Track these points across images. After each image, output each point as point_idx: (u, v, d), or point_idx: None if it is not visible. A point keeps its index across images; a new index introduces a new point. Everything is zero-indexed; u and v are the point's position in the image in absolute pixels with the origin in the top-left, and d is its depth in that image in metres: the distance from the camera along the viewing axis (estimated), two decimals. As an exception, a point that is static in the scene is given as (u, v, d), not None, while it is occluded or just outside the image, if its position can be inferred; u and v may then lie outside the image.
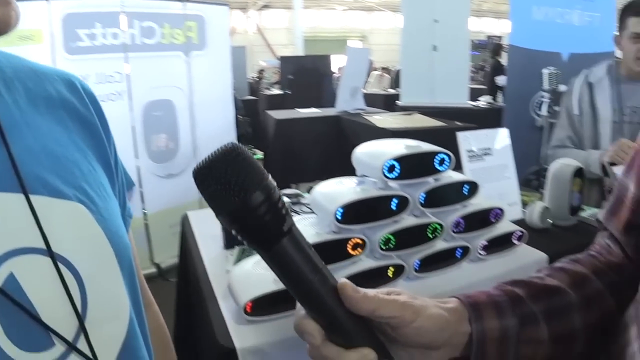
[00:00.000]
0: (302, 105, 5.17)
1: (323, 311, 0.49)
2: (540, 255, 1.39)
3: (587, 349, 0.61)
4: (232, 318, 1.05)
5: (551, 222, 1.61)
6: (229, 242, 1.41)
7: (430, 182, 1.18)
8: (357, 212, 1.07)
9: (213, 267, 1.30)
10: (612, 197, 0.69)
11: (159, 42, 3.36)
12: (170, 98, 3.50)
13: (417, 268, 1.20)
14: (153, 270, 3.38)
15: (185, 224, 1.67)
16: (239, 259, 1.31)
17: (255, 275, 1.08)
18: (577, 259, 0.69)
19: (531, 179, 2.37)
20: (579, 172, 1.59)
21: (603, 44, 2.12)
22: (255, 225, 0.44)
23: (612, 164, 1.78)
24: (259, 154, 7.42)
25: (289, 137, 4.21)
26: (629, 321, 0.57)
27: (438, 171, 1.18)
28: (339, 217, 1.05)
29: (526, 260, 1.37)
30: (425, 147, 1.16)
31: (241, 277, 1.10)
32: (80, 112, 0.60)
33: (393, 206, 1.12)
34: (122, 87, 3.17)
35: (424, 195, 1.16)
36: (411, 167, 1.14)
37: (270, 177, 0.45)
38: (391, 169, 1.10)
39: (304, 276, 0.47)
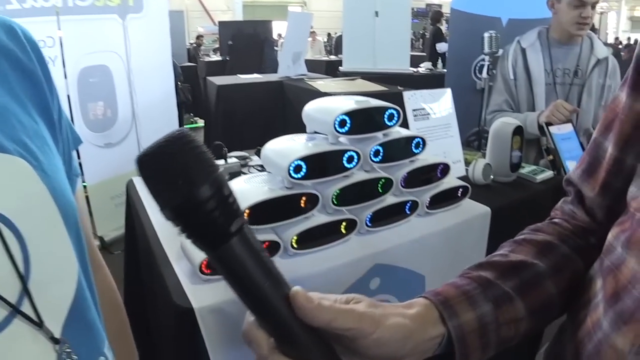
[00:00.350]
0: (243, 71, 5.08)
1: (273, 320, 0.45)
2: (483, 209, 1.44)
3: (563, 312, 0.63)
4: (187, 279, 1.04)
5: (492, 178, 1.67)
6: None
7: (380, 137, 1.19)
8: (308, 168, 1.07)
9: (164, 230, 1.27)
10: (586, 158, 0.67)
11: (92, 4, 3.17)
12: (106, 64, 3.34)
13: (368, 223, 1.22)
14: (96, 243, 3.25)
15: (130, 190, 1.61)
16: None
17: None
18: (538, 228, 0.69)
19: (472, 140, 2.44)
20: (518, 131, 1.64)
21: (540, 10, 2.18)
22: (202, 222, 0.40)
23: (549, 124, 1.85)
24: (200, 122, 7.29)
25: (230, 104, 4.14)
26: (593, 275, 0.58)
27: (387, 126, 1.19)
28: (292, 172, 1.05)
29: (471, 214, 1.41)
30: (375, 102, 1.16)
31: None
32: (21, 60, 0.55)
33: (344, 161, 1.13)
34: (54, 53, 2.98)
35: (375, 150, 1.17)
36: (361, 122, 1.14)
37: (221, 168, 0.43)
38: (342, 123, 1.10)
39: (253, 281, 0.43)
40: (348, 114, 1.10)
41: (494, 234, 1.46)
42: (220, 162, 1.45)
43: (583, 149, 1.86)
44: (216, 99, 4.11)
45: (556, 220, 0.71)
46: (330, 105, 1.16)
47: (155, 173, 0.40)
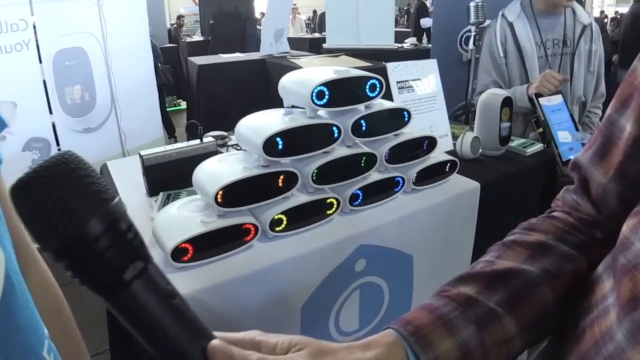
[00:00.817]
0: (225, 50, 4.98)
1: None
2: (473, 184, 1.39)
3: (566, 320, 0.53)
4: (160, 267, 0.96)
5: (481, 152, 1.61)
6: (153, 189, 1.32)
7: (362, 109, 1.12)
8: (285, 144, 1.00)
9: (137, 216, 1.20)
10: (598, 138, 0.58)
11: (66, -15, 3.04)
12: (82, 46, 3.22)
13: (351, 201, 1.16)
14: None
15: (104, 175, 1.54)
16: (164, 204, 1.22)
17: (180, 218, 1.00)
18: (532, 227, 0.60)
19: (459, 114, 2.38)
20: (507, 102, 1.58)
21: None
22: (93, 265, 0.33)
23: (538, 95, 1.79)
24: (183, 104, 7.16)
25: (213, 84, 4.05)
26: (602, 274, 0.49)
27: (369, 98, 1.11)
28: (268, 150, 0.97)
29: (459, 189, 1.36)
30: (355, 72, 1.08)
31: (165, 222, 1.01)
32: None
33: (324, 136, 1.06)
34: (28, 36, 2.84)
35: (357, 124, 1.10)
36: (341, 94, 1.07)
37: (118, 198, 0.35)
38: (320, 95, 1.02)
39: (163, 332, 0.37)
40: (326, 84, 1.02)
41: (484, 209, 1.41)
42: (196, 141, 1.37)
43: (573, 119, 1.81)
44: (197, 80, 4.02)
45: (555, 213, 0.62)
46: (307, 76, 1.08)
47: (30, 207, 0.33)
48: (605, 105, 2.11)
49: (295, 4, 11.02)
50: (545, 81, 1.80)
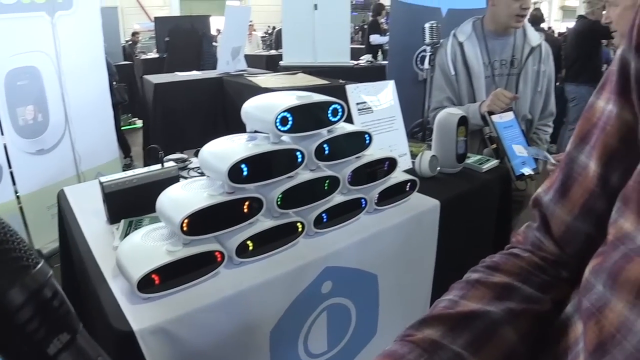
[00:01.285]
0: (181, 68, 4.92)
1: None
2: (432, 202, 1.42)
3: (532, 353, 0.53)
4: (125, 298, 0.95)
5: (439, 170, 1.65)
6: (114, 217, 1.29)
7: (324, 134, 1.14)
8: (250, 170, 1.00)
9: (98, 245, 1.18)
10: (559, 175, 0.57)
11: (18, 2, 2.95)
12: (35, 65, 3.12)
13: (316, 224, 1.17)
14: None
15: (62, 201, 1.50)
16: (126, 232, 1.20)
17: (145, 248, 0.99)
18: (496, 266, 0.59)
19: (416, 131, 2.43)
20: (463, 121, 1.63)
21: (479, 1, 2.18)
22: (13, 338, 0.31)
23: (491, 113, 1.85)
24: (138, 123, 7.04)
25: (169, 102, 3.98)
26: (570, 317, 0.50)
27: (332, 122, 1.13)
28: (232, 176, 0.97)
29: (420, 208, 1.39)
30: (318, 97, 1.10)
31: (130, 252, 1.00)
32: None
33: (288, 161, 1.07)
34: (-23, 56, 2.76)
35: (320, 148, 1.12)
36: (304, 119, 1.08)
37: (42, 263, 0.32)
38: (284, 121, 1.04)
39: None
40: (290, 110, 1.04)
41: (444, 225, 1.45)
42: (157, 167, 1.35)
43: (524, 135, 1.88)
44: (154, 98, 3.95)
45: (518, 252, 0.61)
46: (270, 102, 1.09)
47: None
48: (555, 121, 2.21)
49: (251, 21, 11.05)
50: (497, 99, 1.86)
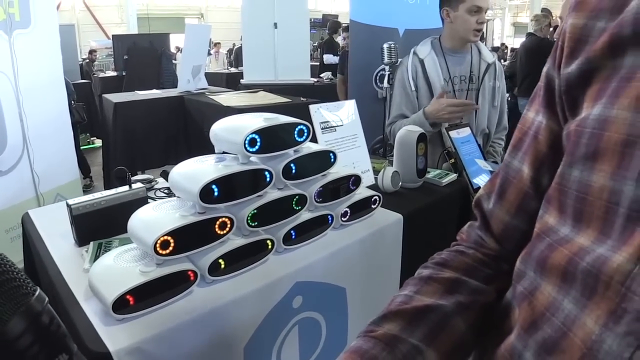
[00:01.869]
0: (141, 87, 4.91)
1: None
2: (396, 216, 1.48)
3: (477, 347, 0.59)
4: (100, 320, 0.96)
5: (401, 185, 1.72)
6: (82, 239, 1.30)
7: (291, 154, 1.18)
8: (220, 191, 1.03)
9: (68, 268, 1.18)
10: (497, 180, 0.64)
11: (-25, 21, 2.90)
12: (-8, 85, 3.06)
13: (285, 241, 1.21)
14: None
15: (27, 224, 1.48)
16: (96, 254, 1.21)
17: (118, 269, 1.00)
18: (444, 262, 0.65)
19: (377, 147, 2.50)
20: (422, 138, 1.70)
21: (434, 21, 2.27)
22: None
23: (449, 129, 1.93)
24: (97, 142, 6.91)
25: (129, 122, 3.96)
26: (508, 303, 0.55)
27: (298, 142, 1.18)
28: (204, 196, 1.00)
29: (384, 222, 1.44)
30: (284, 119, 1.15)
31: (103, 274, 1.01)
32: None
33: (257, 181, 1.11)
34: None
35: (287, 168, 1.16)
36: (271, 140, 1.12)
37: (39, 291, 0.34)
38: (252, 142, 1.08)
39: None
40: (258, 132, 1.08)
41: (408, 238, 1.50)
42: (124, 188, 1.36)
43: (481, 150, 1.97)
44: (114, 118, 3.92)
45: (462, 249, 0.67)
46: (238, 124, 1.13)
47: None
48: (508, 136, 2.31)
49: (218, 42, 11.08)
50: (442, 109, 1.93)
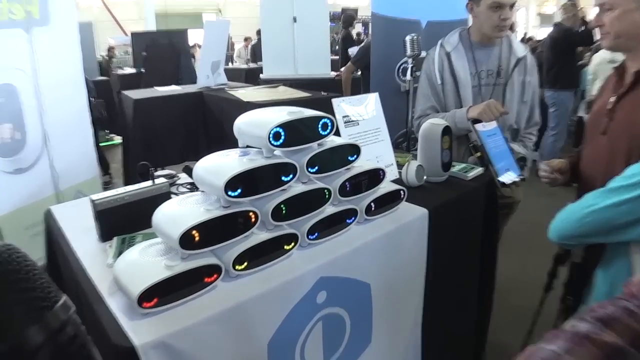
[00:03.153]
0: (159, 83, 4.94)
1: None
2: (421, 211, 1.48)
3: None
4: (124, 314, 0.98)
5: (426, 179, 1.71)
6: (106, 234, 1.32)
7: (315, 147, 1.19)
8: (245, 185, 1.04)
9: (91, 263, 1.20)
10: None
11: (-6, 18, 2.95)
12: (12, 82, 3.10)
13: (309, 236, 1.22)
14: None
15: (49, 221, 1.52)
16: (119, 250, 1.23)
17: (143, 264, 1.02)
18: (607, 321, 0.53)
19: (401, 141, 2.49)
20: (447, 131, 1.69)
21: (458, 12, 2.25)
22: None
23: (475, 121, 1.90)
24: (117, 139, 7.01)
25: (149, 118, 4.00)
26: None
27: (322, 136, 1.19)
28: (229, 191, 1.02)
29: (409, 216, 1.44)
30: (308, 112, 1.16)
31: (128, 268, 1.03)
32: None
33: (281, 175, 1.12)
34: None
35: (311, 161, 1.17)
36: (296, 134, 1.14)
37: (63, 301, 0.32)
38: (277, 136, 1.09)
39: None
40: (282, 126, 1.09)
41: (433, 233, 1.50)
42: (147, 183, 1.38)
43: (508, 144, 1.94)
44: (133, 114, 3.96)
45: (632, 307, 0.55)
46: (263, 117, 1.14)
47: None
48: (540, 130, 2.27)
49: (249, 36, 11.22)
50: (489, 110, 1.92)
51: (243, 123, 1.18)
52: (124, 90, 4.72)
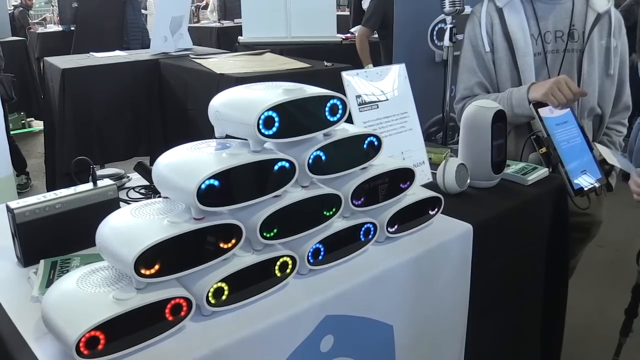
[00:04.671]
0: (98, 47, 4.92)
1: None
2: (463, 227, 1.49)
3: None
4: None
5: (469, 183, 1.72)
6: (29, 256, 1.32)
7: (320, 139, 1.20)
8: (224, 189, 1.05)
9: (9, 296, 1.21)
10: None
11: None
12: None
13: (311, 259, 1.23)
14: None
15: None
16: (48, 278, 1.23)
17: (83, 297, 1.02)
18: None
19: (434, 131, 2.50)
20: (500, 117, 1.70)
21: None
22: None
23: (539, 105, 1.92)
24: (37, 125, 6.98)
25: (83, 96, 4.01)
26: None
27: (330, 123, 1.20)
28: (201, 197, 1.02)
29: (446, 235, 1.46)
30: (312, 90, 1.17)
31: (61, 303, 1.03)
32: None
33: (273, 176, 1.13)
34: None
35: (315, 158, 1.18)
36: (294, 119, 1.14)
37: None
38: (268, 122, 1.09)
39: None
40: (276, 108, 1.09)
41: (479, 258, 1.51)
42: (87, 186, 1.40)
43: (585, 135, 1.94)
44: (61, 90, 3.95)
45: None
46: (249, 97, 1.15)
47: None
48: (631, 120, 2.21)
49: None
50: (557, 89, 1.89)
51: (221, 104, 1.18)
52: (48, 55, 4.70)
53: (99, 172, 1.76)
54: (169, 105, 4.14)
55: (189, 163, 1.09)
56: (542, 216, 1.80)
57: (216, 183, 1.04)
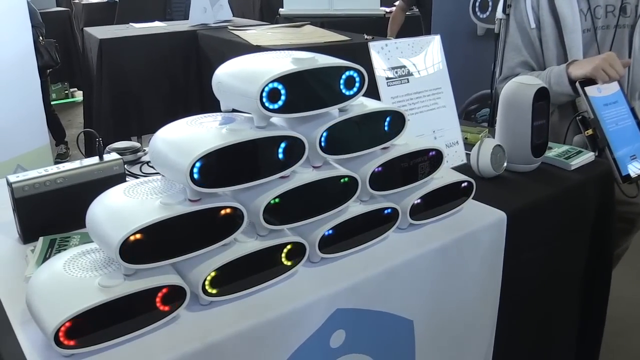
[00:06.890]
0: (139, 18, 4.98)
1: None
2: (496, 215, 1.43)
3: None
4: (37, 353, 0.96)
5: (506, 166, 1.66)
6: (28, 233, 1.30)
7: (335, 115, 1.15)
8: (225, 168, 1.01)
9: (4, 273, 1.20)
10: None
11: None
12: None
13: (322, 246, 1.18)
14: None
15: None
16: (45, 256, 1.21)
17: (68, 281, 0.99)
18: None
19: (473, 109, 2.43)
20: (542, 95, 1.63)
21: None
22: None
23: (585, 82, 1.85)
24: (77, 96, 7.11)
25: (121, 67, 4.07)
26: None
27: (346, 98, 1.14)
28: (197, 177, 0.97)
29: (477, 223, 1.40)
30: (325, 60, 1.10)
31: (46, 286, 1.00)
32: None
33: (280, 154, 1.08)
34: None
35: (328, 136, 1.12)
36: (304, 92, 1.10)
37: None
38: (273, 95, 1.04)
39: None
40: (282, 79, 1.04)
41: (513, 249, 1.46)
42: (93, 160, 1.36)
43: (636, 117, 1.86)
44: (98, 61, 4.02)
45: None
46: (254, 67, 1.10)
47: None
48: None
49: None
50: (607, 64, 1.83)
51: (225, 74, 1.14)
52: (89, 26, 4.76)
53: (117, 145, 1.76)
54: (205, 77, 4.13)
55: (184, 139, 1.05)
56: (586, 205, 1.73)
57: (214, 161, 0.99)
